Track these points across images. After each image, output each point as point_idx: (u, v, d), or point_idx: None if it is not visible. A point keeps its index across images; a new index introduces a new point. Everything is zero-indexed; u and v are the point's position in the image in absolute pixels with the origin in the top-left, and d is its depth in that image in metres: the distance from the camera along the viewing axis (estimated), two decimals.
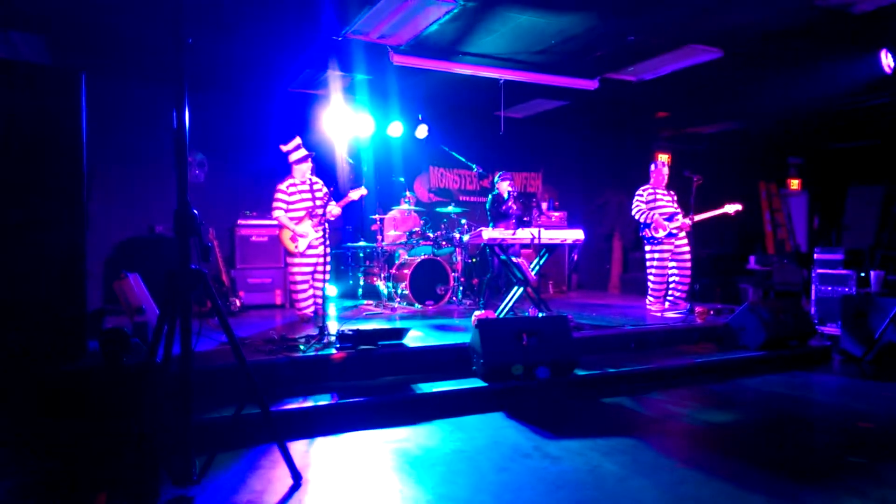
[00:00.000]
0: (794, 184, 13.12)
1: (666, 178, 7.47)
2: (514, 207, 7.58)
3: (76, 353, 3.59)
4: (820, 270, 8.22)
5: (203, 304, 3.28)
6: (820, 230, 12.89)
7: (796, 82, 8.27)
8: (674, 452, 3.66)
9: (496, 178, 7.94)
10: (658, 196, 7.41)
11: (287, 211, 6.46)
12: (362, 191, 6.77)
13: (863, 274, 8.32)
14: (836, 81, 8.16)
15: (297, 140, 6.62)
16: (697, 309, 6.95)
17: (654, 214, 7.31)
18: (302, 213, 6.50)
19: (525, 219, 6.91)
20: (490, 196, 7.96)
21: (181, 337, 3.00)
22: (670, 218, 7.32)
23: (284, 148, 6.58)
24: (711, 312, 7.04)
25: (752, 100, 9.18)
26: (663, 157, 7.77)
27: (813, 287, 8.30)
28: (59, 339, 3.48)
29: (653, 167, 7.54)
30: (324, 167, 6.55)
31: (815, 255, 8.49)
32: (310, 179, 6.59)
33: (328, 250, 5.86)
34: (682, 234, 7.40)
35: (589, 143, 11.40)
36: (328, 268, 6.26)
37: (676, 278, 7.44)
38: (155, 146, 7.74)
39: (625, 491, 3.07)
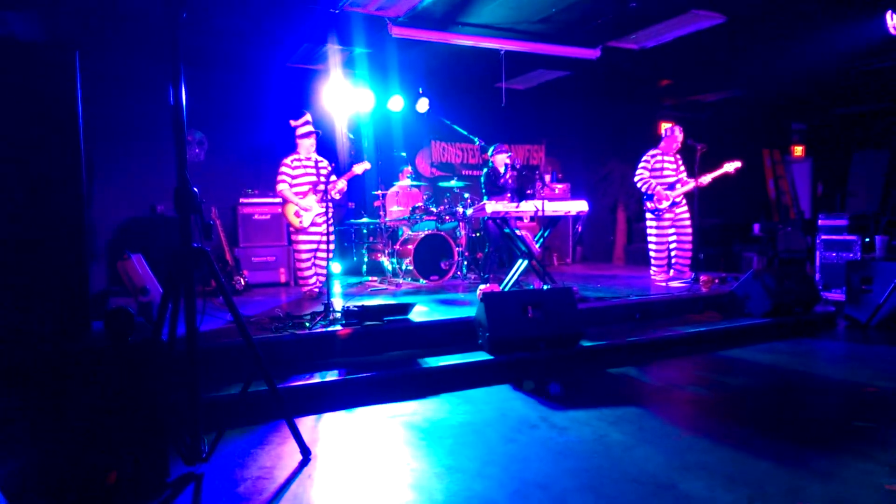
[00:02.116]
0: (798, 150, 13.00)
1: (678, 144, 7.35)
2: (511, 181, 7.54)
3: (80, 333, 3.60)
4: (824, 237, 8.19)
5: (207, 283, 3.27)
6: (824, 197, 12.81)
7: (800, 47, 8.14)
8: (680, 420, 3.67)
9: (490, 150, 7.84)
10: (665, 163, 7.32)
11: (291, 186, 6.44)
12: (366, 165, 6.70)
13: (867, 239, 8.30)
14: (841, 45, 8.03)
15: (308, 116, 6.56)
16: (702, 278, 6.93)
17: (655, 185, 7.24)
18: (306, 188, 6.48)
19: (528, 192, 6.87)
20: (485, 170, 7.89)
21: (186, 315, 3.00)
22: (671, 187, 7.25)
23: (294, 122, 6.52)
24: (716, 281, 7.03)
25: (754, 66, 9.06)
26: (667, 125, 7.63)
27: (817, 253, 8.28)
28: (63, 320, 3.49)
29: (665, 132, 7.41)
30: (324, 143, 6.51)
31: (820, 222, 8.46)
32: (314, 156, 6.56)
33: (331, 227, 5.84)
34: (683, 202, 7.34)
35: (592, 113, 11.30)
36: (332, 245, 6.25)
37: (676, 246, 7.40)
38: (154, 125, 7.68)
39: (631, 459, 3.08)
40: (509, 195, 7.35)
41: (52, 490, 2.73)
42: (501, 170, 7.64)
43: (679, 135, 7.30)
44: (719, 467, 2.96)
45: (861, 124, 12.25)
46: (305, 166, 6.51)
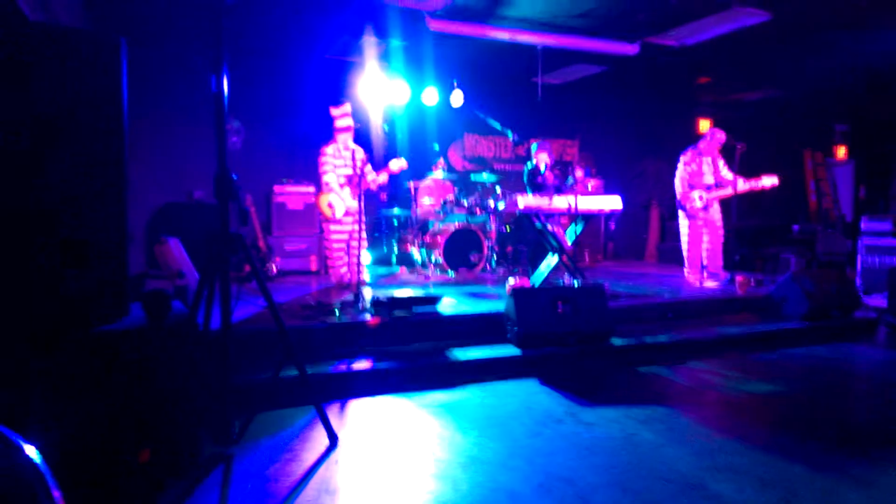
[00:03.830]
0: (841, 152, 12.67)
1: (720, 146, 7.19)
2: (551, 178, 7.50)
3: (119, 313, 3.67)
4: (867, 241, 7.98)
5: (241, 269, 3.32)
6: (867, 200, 12.47)
7: (846, 48, 7.94)
8: (711, 421, 3.62)
9: (533, 149, 7.80)
10: (703, 167, 7.18)
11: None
12: (402, 163, 6.63)
13: None
14: (888, 45, 7.81)
15: (347, 106, 6.54)
16: (738, 279, 6.81)
17: (693, 199, 7.09)
18: (343, 181, 6.51)
19: (562, 189, 6.83)
20: (527, 167, 7.85)
21: (221, 298, 3.04)
22: (708, 188, 7.13)
23: (334, 111, 6.51)
24: (752, 283, 6.90)
25: (798, 65, 8.85)
26: (706, 125, 7.50)
27: (858, 257, 8.07)
28: (101, 300, 3.57)
29: (708, 136, 7.23)
30: (360, 134, 6.53)
31: (862, 225, 8.24)
32: (351, 146, 6.58)
33: (364, 218, 5.87)
34: (716, 204, 7.21)
35: (627, 109, 11.15)
36: (364, 235, 6.29)
37: (708, 247, 7.27)
38: (192, 113, 7.80)
39: (660, 458, 3.04)
40: (550, 191, 7.31)
41: (87, 464, 2.80)
42: (542, 168, 7.59)
43: (721, 137, 7.15)
44: (751, 469, 2.91)
45: None
46: (344, 157, 6.53)
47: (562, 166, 7.61)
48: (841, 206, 12.64)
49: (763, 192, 7.14)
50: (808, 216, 12.31)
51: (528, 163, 7.77)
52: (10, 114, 3.31)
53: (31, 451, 1.47)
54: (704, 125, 7.93)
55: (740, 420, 3.66)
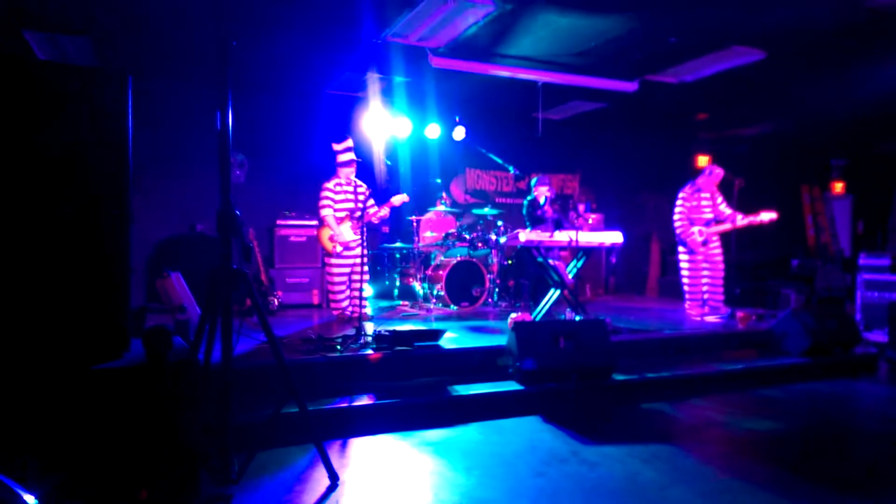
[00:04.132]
0: (838, 187, 12.75)
1: (718, 182, 7.28)
2: (550, 212, 7.53)
3: (119, 349, 3.67)
4: (866, 276, 8.00)
5: (242, 302, 3.33)
6: (865, 235, 12.51)
7: (842, 83, 8.05)
8: (715, 460, 3.59)
9: (533, 182, 7.86)
10: (702, 202, 7.25)
11: (335, 211, 6.55)
12: (404, 197, 6.83)
13: None
14: (884, 82, 7.92)
15: (350, 141, 6.68)
16: (739, 314, 6.81)
17: (692, 233, 7.15)
18: (343, 214, 6.57)
19: (562, 223, 6.85)
20: (526, 200, 7.89)
21: (222, 336, 3.04)
22: (707, 223, 7.19)
23: (336, 146, 6.63)
24: (753, 318, 6.89)
25: (795, 101, 8.96)
26: (704, 160, 7.58)
27: (858, 292, 8.08)
28: (102, 336, 3.56)
29: (707, 172, 7.31)
30: (362, 168, 6.62)
31: (861, 261, 8.26)
32: (353, 181, 6.68)
33: (365, 251, 5.90)
34: (716, 239, 7.27)
35: (627, 144, 11.26)
36: (366, 269, 6.33)
37: (708, 282, 7.30)
38: (196, 146, 7.86)
39: (665, 499, 3.01)
40: (550, 225, 7.33)
41: None
42: (541, 201, 7.63)
43: (719, 173, 7.23)
44: None
45: None
46: (345, 191, 6.63)
47: (562, 200, 7.66)
48: (839, 241, 12.68)
49: (762, 227, 7.19)
50: (806, 250, 12.34)
51: (528, 196, 7.81)
52: (18, 147, 3.36)
53: (30, 500, 1.46)
54: (703, 161, 8.00)
55: (744, 459, 3.63)
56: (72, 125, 3.60)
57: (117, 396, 2.97)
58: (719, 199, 7.33)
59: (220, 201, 3.02)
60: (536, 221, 7.53)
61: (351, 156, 6.59)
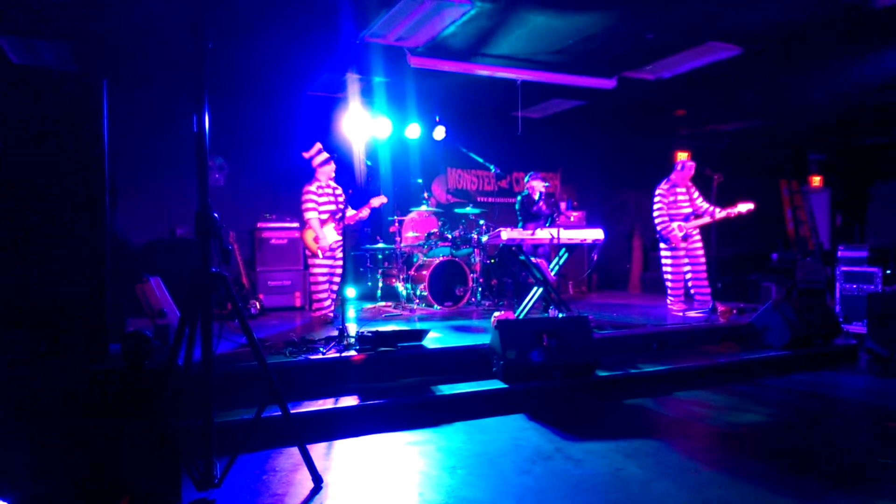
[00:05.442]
0: (816, 181, 12.93)
1: (690, 176, 7.36)
2: (545, 207, 7.55)
3: (98, 355, 3.62)
4: (844, 268, 8.10)
5: (224, 306, 3.29)
6: (843, 227, 12.69)
7: (817, 79, 8.14)
8: (699, 454, 3.61)
9: (527, 178, 7.83)
10: (678, 197, 7.31)
11: (319, 214, 6.56)
12: (382, 199, 6.92)
13: (889, 271, 8.18)
14: (859, 77, 8.02)
15: (318, 146, 6.76)
16: (720, 308, 6.86)
17: (673, 229, 7.21)
18: (326, 217, 6.57)
19: (556, 219, 6.86)
20: (520, 196, 7.83)
21: (202, 339, 3.01)
22: (686, 218, 7.26)
23: (307, 154, 6.70)
24: (734, 311, 6.95)
25: (772, 97, 9.05)
26: (684, 156, 7.63)
27: (837, 285, 8.18)
28: (81, 342, 3.52)
29: (679, 167, 7.38)
30: (343, 169, 6.63)
31: (839, 253, 8.36)
32: (332, 183, 6.71)
33: (348, 252, 5.94)
34: (697, 234, 7.33)
35: (607, 142, 11.32)
36: (339, 270, 6.47)
37: (692, 277, 7.36)
38: (175, 150, 7.76)
39: (649, 494, 3.03)
40: (545, 221, 7.34)
41: None
42: (536, 196, 7.60)
43: (691, 167, 7.31)
44: None
45: (880, 155, 12.17)
46: (326, 194, 6.64)
47: (547, 197, 7.66)
48: (818, 234, 12.84)
49: (741, 221, 7.25)
50: (786, 243, 12.49)
51: (522, 192, 7.77)
52: None
53: None
54: (682, 157, 8.05)
55: (727, 452, 3.66)
56: (45, 130, 3.55)
57: (96, 401, 2.93)
58: (695, 194, 7.39)
59: (199, 204, 3.00)
60: (532, 217, 7.51)
61: (325, 155, 6.63)
